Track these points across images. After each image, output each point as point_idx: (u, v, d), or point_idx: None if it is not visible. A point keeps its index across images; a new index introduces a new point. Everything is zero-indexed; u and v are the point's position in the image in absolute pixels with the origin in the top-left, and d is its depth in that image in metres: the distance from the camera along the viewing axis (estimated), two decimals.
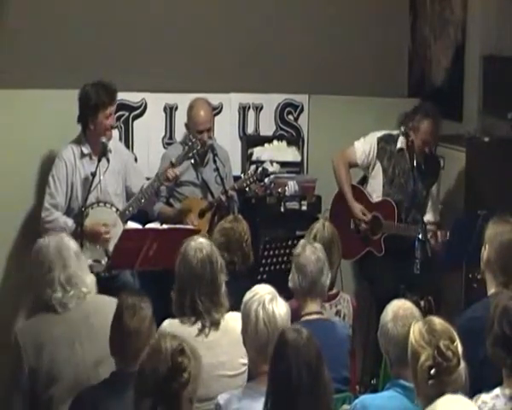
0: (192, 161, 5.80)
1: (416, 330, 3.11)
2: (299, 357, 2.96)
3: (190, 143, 5.65)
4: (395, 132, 6.04)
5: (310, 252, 4.32)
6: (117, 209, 5.44)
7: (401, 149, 5.98)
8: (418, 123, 5.85)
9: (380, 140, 6.02)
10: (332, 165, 6.08)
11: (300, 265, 4.31)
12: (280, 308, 3.44)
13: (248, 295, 3.52)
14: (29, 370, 3.80)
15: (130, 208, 5.49)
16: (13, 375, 3.96)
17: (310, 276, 4.27)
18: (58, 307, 3.86)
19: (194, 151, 5.64)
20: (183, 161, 5.67)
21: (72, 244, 4.02)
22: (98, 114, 5.43)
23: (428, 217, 5.95)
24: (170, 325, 3.95)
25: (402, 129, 5.89)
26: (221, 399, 3.43)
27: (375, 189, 6.04)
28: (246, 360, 3.74)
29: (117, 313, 3.48)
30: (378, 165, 6.03)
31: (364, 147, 6.05)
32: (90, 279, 4.01)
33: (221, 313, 3.95)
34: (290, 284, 4.36)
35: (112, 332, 3.49)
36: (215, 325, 3.92)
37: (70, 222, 5.38)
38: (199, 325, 3.91)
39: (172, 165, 5.55)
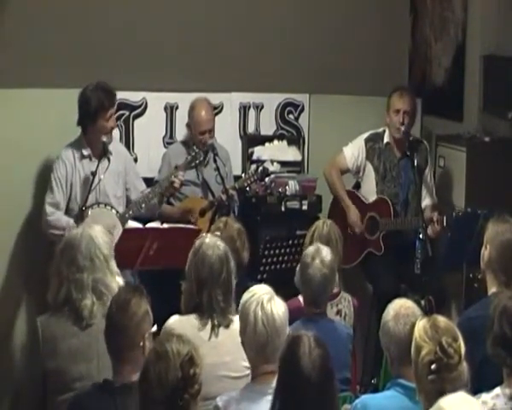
0: (195, 170, 5.79)
1: (420, 326, 3.13)
2: (312, 361, 2.91)
3: (194, 154, 5.64)
4: (380, 130, 6.07)
5: (317, 267, 4.31)
6: (117, 212, 5.42)
7: (388, 144, 6.01)
8: (388, 100, 5.94)
9: (367, 141, 6.05)
10: (324, 176, 6.12)
11: (306, 278, 4.34)
12: (278, 308, 3.43)
13: (246, 295, 3.50)
14: (43, 364, 3.77)
15: (131, 212, 5.45)
16: (27, 362, 3.92)
17: (314, 290, 4.31)
18: (86, 314, 3.79)
19: (197, 162, 5.64)
20: (185, 170, 5.66)
21: (104, 243, 3.94)
22: (98, 118, 5.41)
23: (426, 202, 5.99)
24: (177, 321, 3.92)
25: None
26: (220, 401, 3.40)
27: (369, 190, 6.05)
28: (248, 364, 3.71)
29: (108, 308, 3.47)
30: (369, 166, 6.05)
31: (353, 150, 6.07)
32: (117, 285, 3.87)
33: (232, 313, 3.93)
34: (295, 282, 4.38)
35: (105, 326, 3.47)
36: (227, 325, 3.91)
37: (71, 221, 5.35)
38: (210, 323, 3.89)
39: (176, 168, 5.55)
